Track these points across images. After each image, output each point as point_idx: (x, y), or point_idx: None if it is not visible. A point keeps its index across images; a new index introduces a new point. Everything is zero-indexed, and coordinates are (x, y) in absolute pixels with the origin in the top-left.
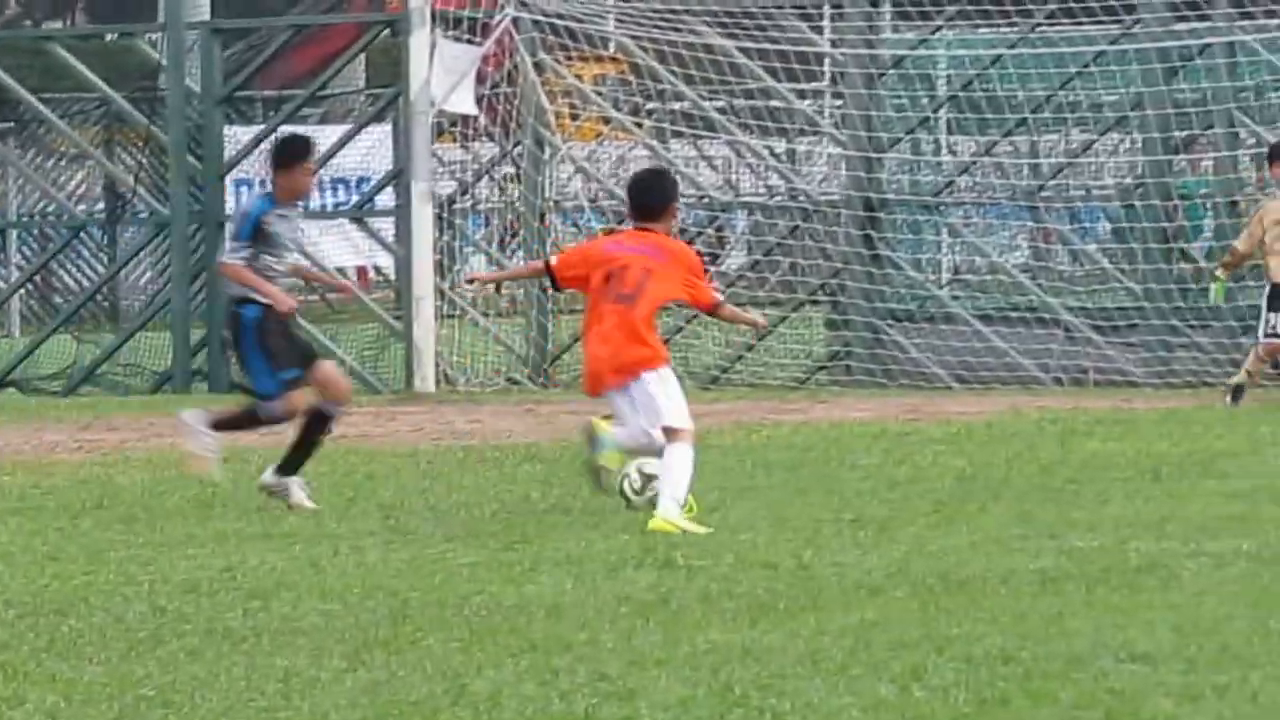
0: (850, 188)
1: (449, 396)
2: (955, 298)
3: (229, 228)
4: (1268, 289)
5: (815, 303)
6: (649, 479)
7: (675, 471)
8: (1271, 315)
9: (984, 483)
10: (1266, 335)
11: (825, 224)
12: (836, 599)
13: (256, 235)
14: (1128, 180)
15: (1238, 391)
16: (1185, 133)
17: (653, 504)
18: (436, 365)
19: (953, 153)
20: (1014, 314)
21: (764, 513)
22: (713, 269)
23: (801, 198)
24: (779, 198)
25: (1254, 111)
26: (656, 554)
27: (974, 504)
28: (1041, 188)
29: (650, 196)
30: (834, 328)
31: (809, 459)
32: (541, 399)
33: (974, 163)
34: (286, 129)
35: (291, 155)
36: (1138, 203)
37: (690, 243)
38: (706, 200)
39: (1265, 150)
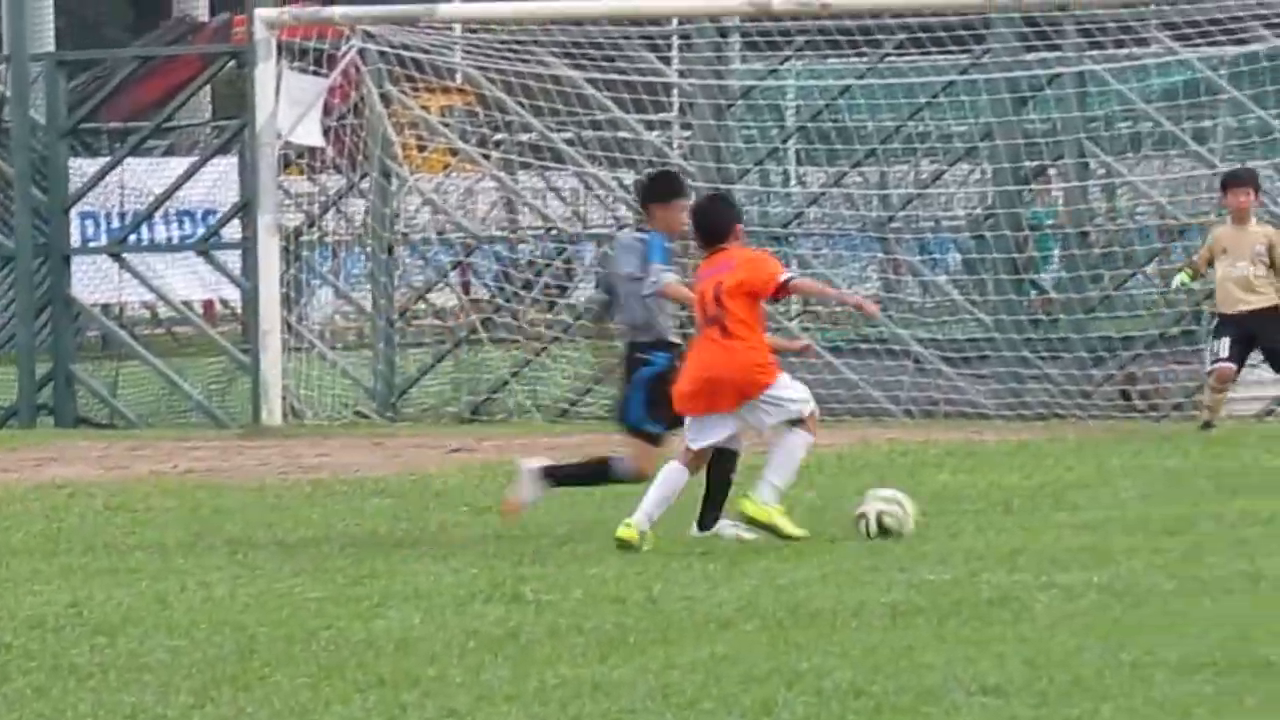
0: None
1: (296, 430)
2: (805, 329)
3: (626, 259)
4: (1216, 319)
5: None
6: (885, 531)
7: (791, 459)
8: (1216, 343)
9: (834, 515)
10: (1214, 362)
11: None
12: (686, 633)
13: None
14: (978, 211)
15: (1206, 426)
16: (1035, 163)
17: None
18: (284, 399)
19: (802, 184)
20: (864, 346)
21: (613, 546)
22: (561, 301)
23: None
24: (627, 229)
25: (1103, 142)
26: (505, 588)
27: (824, 536)
28: (891, 219)
29: (711, 222)
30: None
31: None
32: (389, 433)
33: (823, 194)
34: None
35: (671, 191)
36: (988, 233)
37: (538, 275)
38: (554, 232)
39: (1114, 181)
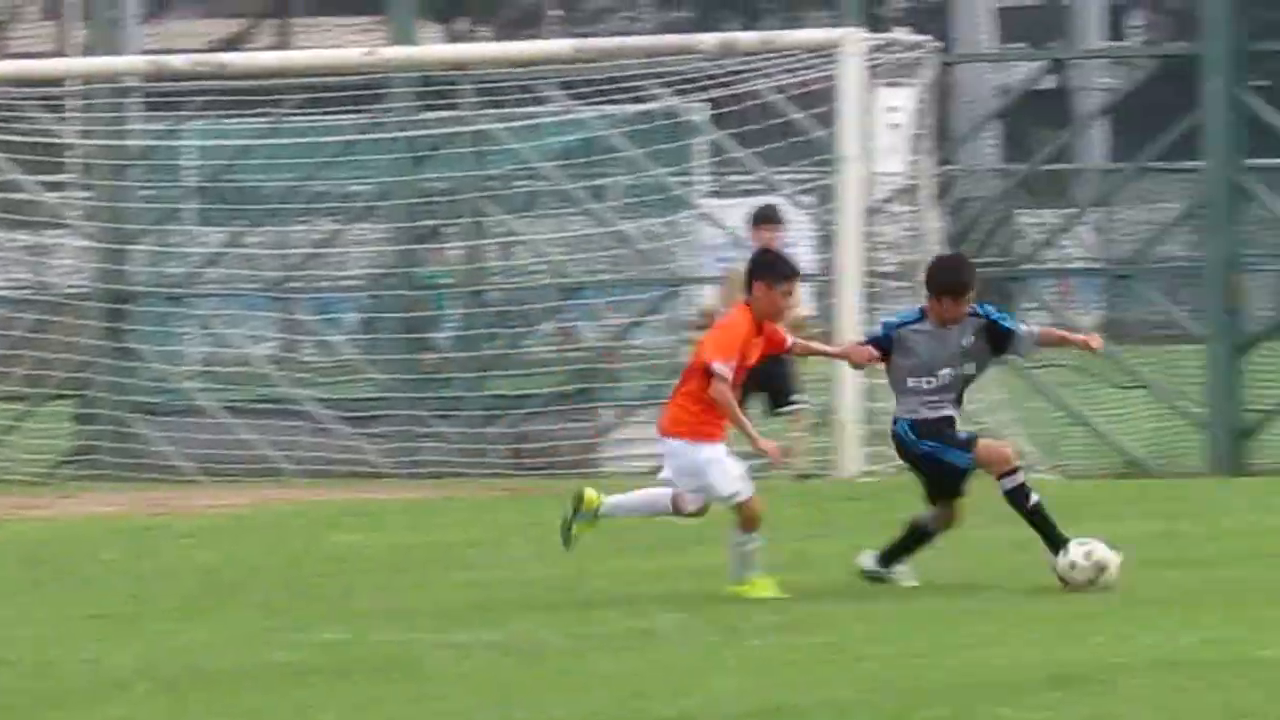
0: (98, 280)
1: None
2: (203, 389)
3: None
4: None
5: (62, 396)
6: (1101, 569)
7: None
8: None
9: (232, 576)
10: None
11: (72, 316)
12: (82, 695)
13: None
14: (376, 270)
15: (805, 477)
16: (432, 222)
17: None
18: None
19: (202, 244)
20: (262, 405)
21: (5, 609)
22: None
23: (48, 290)
24: (25, 290)
25: (500, 200)
26: None
27: (222, 598)
28: (289, 278)
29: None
30: (81, 421)
31: (52, 554)
32: None
33: (223, 253)
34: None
35: (954, 287)
36: (384, 293)
37: None
38: None
39: (511, 239)
